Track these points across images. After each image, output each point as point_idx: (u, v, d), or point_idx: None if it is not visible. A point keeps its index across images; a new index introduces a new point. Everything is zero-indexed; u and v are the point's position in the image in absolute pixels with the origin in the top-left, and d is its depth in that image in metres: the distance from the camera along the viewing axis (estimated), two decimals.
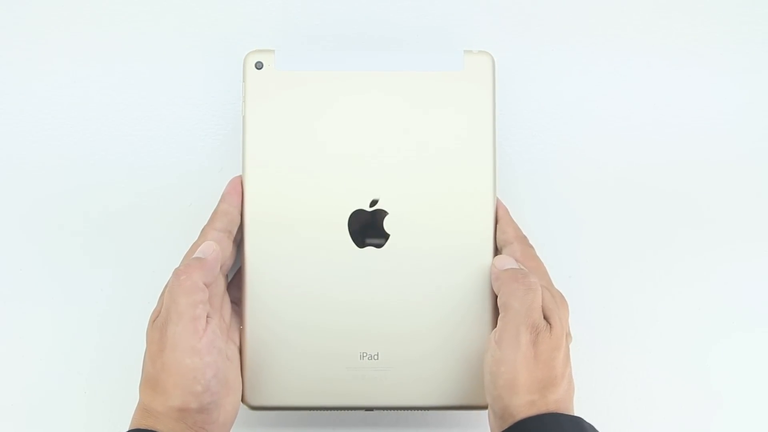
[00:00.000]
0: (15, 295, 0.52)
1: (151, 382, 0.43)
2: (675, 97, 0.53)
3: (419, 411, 0.48)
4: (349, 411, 0.48)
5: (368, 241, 0.47)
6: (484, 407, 0.46)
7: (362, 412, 0.50)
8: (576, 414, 0.44)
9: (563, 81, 0.53)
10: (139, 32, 0.53)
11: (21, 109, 0.53)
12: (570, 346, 0.46)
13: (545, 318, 0.44)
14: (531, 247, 0.48)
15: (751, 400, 0.53)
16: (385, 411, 0.48)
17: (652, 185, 0.53)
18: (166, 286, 0.45)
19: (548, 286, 0.47)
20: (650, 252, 0.53)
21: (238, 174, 0.48)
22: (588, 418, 0.43)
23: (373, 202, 0.47)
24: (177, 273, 0.44)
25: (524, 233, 0.48)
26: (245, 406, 0.47)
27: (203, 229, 0.47)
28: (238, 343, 0.47)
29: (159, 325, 0.43)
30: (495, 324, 0.45)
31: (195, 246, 0.46)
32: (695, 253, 0.53)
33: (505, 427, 0.43)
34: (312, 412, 0.50)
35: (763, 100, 0.53)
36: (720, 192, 0.53)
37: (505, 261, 0.46)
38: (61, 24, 0.53)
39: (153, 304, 0.46)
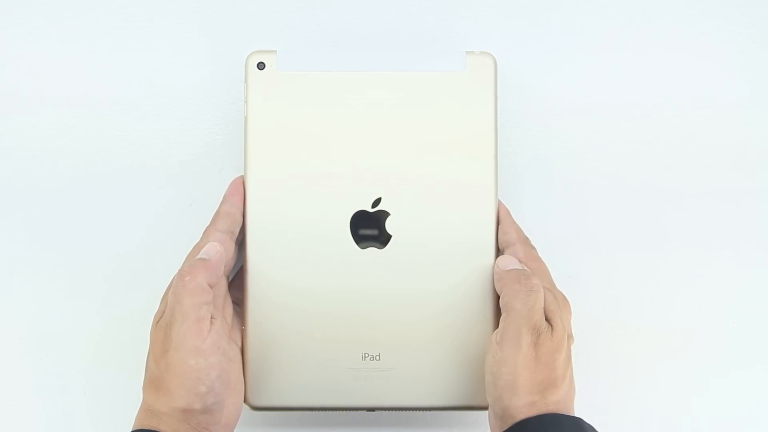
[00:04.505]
0: (15, 294, 0.52)
1: (154, 382, 0.43)
2: (675, 97, 0.53)
3: (420, 411, 0.48)
4: (351, 411, 0.48)
5: (370, 241, 0.47)
6: (485, 408, 0.46)
7: (364, 412, 0.50)
8: (576, 415, 0.44)
9: (564, 81, 0.53)
10: (139, 32, 0.53)
11: (21, 108, 0.52)
12: (571, 347, 0.46)
13: (547, 319, 0.44)
14: (533, 248, 0.48)
15: (752, 400, 0.53)
16: (387, 411, 0.48)
17: (652, 185, 0.53)
18: (169, 286, 0.45)
19: (550, 287, 0.47)
20: (650, 252, 0.53)
21: (239, 174, 0.48)
22: (588, 419, 0.44)
23: (375, 203, 0.47)
24: (181, 274, 0.44)
25: (525, 234, 0.49)
26: (248, 407, 0.47)
27: (206, 230, 0.47)
28: (239, 344, 0.47)
29: (163, 325, 0.43)
30: (497, 325, 0.45)
31: (198, 247, 0.46)
32: (696, 253, 0.53)
33: (506, 427, 0.43)
34: (314, 412, 0.50)
35: (765, 99, 0.54)
36: (721, 192, 0.53)
37: (509, 261, 0.46)
38: (61, 25, 0.53)
39: (153, 304, 0.46)
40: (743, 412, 0.53)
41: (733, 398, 0.53)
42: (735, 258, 0.53)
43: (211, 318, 0.44)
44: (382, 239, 0.47)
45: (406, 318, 0.47)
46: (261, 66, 0.47)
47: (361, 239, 0.47)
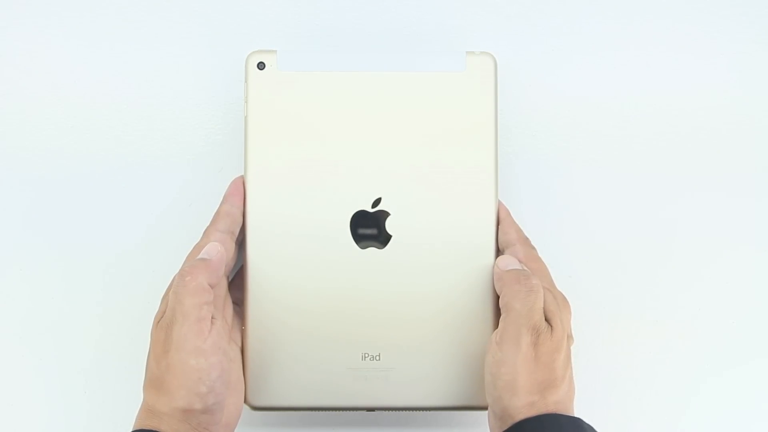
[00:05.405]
0: (15, 294, 0.52)
1: (155, 382, 0.43)
2: (675, 96, 0.53)
3: (420, 411, 0.48)
4: (351, 411, 0.48)
5: (370, 241, 0.47)
6: (485, 408, 0.46)
7: (364, 412, 0.50)
8: (576, 415, 0.44)
9: (564, 81, 0.53)
10: (139, 32, 0.53)
11: (21, 109, 0.52)
12: (571, 347, 0.46)
13: (546, 320, 0.44)
14: (533, 248, 0.48)
15: (752, 400, 0.53)
16: (387, 411, 0.48)
17: (652, 185, 0.53)
18: (169, 286, 0.45)
19: (550, 287, 0.47)
20: (650, 252, 0.53)
21: (239, 174, 0.48)
22: (588, 419, 0.44)
23: (375, 203, 0.47)
24: (182, 274, 0.44)
25: (525, 234, 0.49)
26: (248, 407, 0.47)
27: (206, 230, 0.47)
28: (239, 344, 0.47)
29: (164, 325, 0.43)
30: (496, 325, 0.45)
31: (198, 247, 0.46)
32: (696, 254, 0.53)
33: (505, 428, 0.43)
34: (314, 412, 0.50)
35: (765, 99, 0.54)
36: (721, 193, 0.53)
37: (509, 261, 0.46)
38: (61, 25, 0.53)
39: (153, 304, 0.46)
40: (743, 412, 0.53)
41: (733, 398, 0.53)
42: (735, 258, 0.53)
43: (212, 318, 0.44)
44: (382, 239, 0.47)
45: (406, 318, 0.47)
46: (261, 66, 0.47)
47: (361, 239, 0.47)
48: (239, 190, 0.47)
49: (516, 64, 0.53)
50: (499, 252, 0.48)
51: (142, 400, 0.44)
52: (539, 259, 0.48)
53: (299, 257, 0.47)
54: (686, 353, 0.53)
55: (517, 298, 0.44)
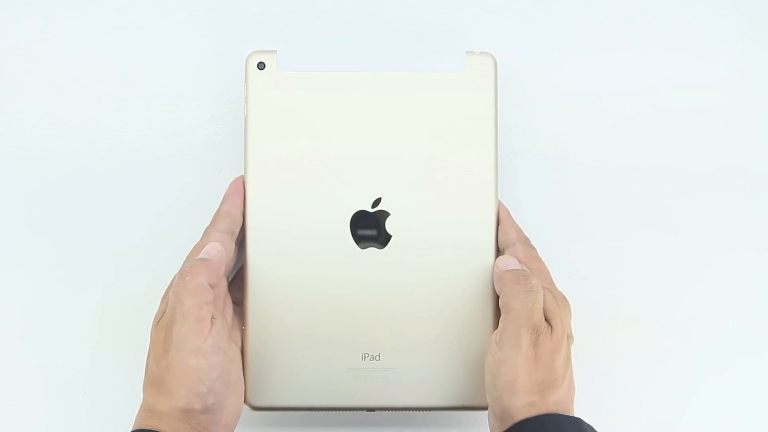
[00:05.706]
0: (15, 295, 0.52)
1: (155, 382, 0.43)
2: (675, 96, 0.53)
3: (420, 411, 0.48)
4: (351, 411, 0.48)
5: (370, 241, 0.47)
6: (485, 408, 0.46)
7: (364, 412, 0.50)
8: (576, 415, 0.44)
9: (564, 81, 0.53)
10: (139, 32, 0.53)
11: (21, 109, 0.52)
12: (571, 347, 0.46)
13: (546, 320, 0.44)
14: (533, 248, 0.48)
15: (751, 401, 0.53)
16: (387, 411, 0.48)
17: (652, 185, 0.53)
18: (169, 286, 0.45)
19: (550, 287, 0.47)
20: (650, 252, 0.53)
21: (239, 174, 0.48)
22: (588, 419, 0.44)
23: (375, 203, 0.47)
24: (182, 274, 0.44)
25: (525, 234, 0.49)
26: (248, 407, 0.47)
27: (206, 230, 0.47)
28: (239, 344, 0.47)
29: (164, 325, 0.43)
30: (496, 325, 0.46)
31: (198, 247, 0.46)
32: (696, 254, 0.53)
33: (505, 428, 0.43)
34: (314, 412, 0.50)
35: (765, 99, 0.54)
36: (721, 193, 0.53)
37: (508, 262, 0.46)
38: (61, 25, 0.53)
39: (153, 304, 0.46)
40: (742, 412, 0.53)
41: (733, 398, 0.53)
42: (735, 258, 0.53)
43: (212, 318, 0.44)
44: (382, 239, 0.47)
45: (405, 318, 0.47)
46: (261, 66, 0.47)
47: (361, 239, 0.47)
48: (239, 190, 0.47)
49: (516, 64, 0.53)
50: (499, 252, 0.48)
51: (142, 400, 0.44)
52: (539, 259, 0.48)
53: (299, 257, 0.47)
54: (686, 353, 0.53)
55: (517, 298, 0.44)
